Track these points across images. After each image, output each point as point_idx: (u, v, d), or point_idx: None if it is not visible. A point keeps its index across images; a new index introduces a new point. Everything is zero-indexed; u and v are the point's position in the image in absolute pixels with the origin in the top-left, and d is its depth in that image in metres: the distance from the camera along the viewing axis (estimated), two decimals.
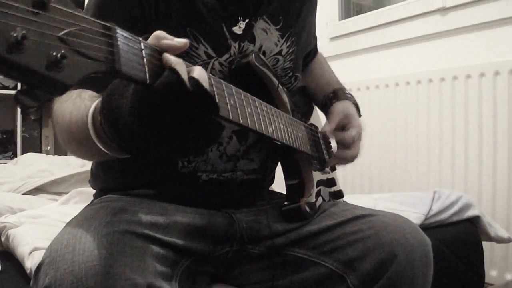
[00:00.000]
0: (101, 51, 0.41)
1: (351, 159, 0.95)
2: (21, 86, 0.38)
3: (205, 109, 0.49)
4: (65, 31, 0.37)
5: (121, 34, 0.43)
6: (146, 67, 0.46)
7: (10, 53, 0.33)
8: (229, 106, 0.58)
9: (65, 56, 0.36)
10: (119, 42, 0.43)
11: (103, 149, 0.55)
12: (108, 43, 0.42)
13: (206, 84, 0.50)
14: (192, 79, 0.48)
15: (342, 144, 0.93)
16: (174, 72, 0.47)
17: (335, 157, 0.93)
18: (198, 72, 0.50)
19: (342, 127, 0.95)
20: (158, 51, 0.49)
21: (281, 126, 0.75)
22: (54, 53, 0.36)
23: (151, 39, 0.50)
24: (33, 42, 0.34)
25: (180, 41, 0.51)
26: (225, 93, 0.58)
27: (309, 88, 1.05)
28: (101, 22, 0.41)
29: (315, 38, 1.06)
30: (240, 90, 0.63)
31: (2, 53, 0.33)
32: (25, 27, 0.34)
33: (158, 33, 0.50)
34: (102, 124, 0.51)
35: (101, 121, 0.51)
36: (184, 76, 0.48)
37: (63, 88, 0.37)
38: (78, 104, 0.59)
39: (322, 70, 1.09)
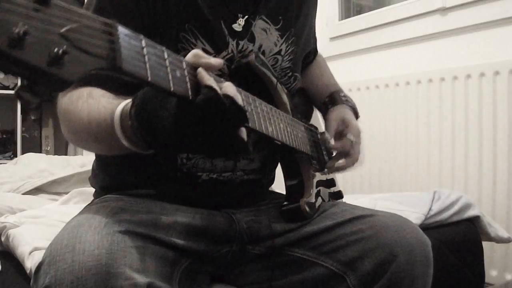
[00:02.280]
0: (102, 48, 0.41)
1: (352, 165, 0.94)
2: (22, 82, 0.38)
3: (237, 121, 0.55)
4: (66, 28, 0.37)
5: (122, 31, 0.44)
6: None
7: (12, 49, 0.33)
8: None
9: (66, 52, 0.36)
10: (120, 39, 0.43)
11: (128, 147, 0.60)
12: (109, 40, 0.42)
13: (239, 100, 0.56)
14: (228, 97, 0.54)
15: (341, 152, 0.93)
16: (212, 89, 0.52)
17: (336, 167, 0.93)
18: (231, 89, 0.56)
19: (339, 133, 0.95)
20: (193, 67, 0.54)
21: (281, 125, 0.75)
22: (55, 49, 0.36)
23: (190, 57, 0.55)
24: (35, 38, 0.34)
25: (217, 61, 0.57)
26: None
27: (308, 90, 1.05)
28: (102, 19, 0.42)
29: (315, 39, 1.06)
30: (240, 90, 0.63)
31: (3, 48, 0.33)
32: (27, 22, 0.34)
33: (197, 51, 0.56)
34: (134, 128, 0.56)
35: (134, 125, 0.56)
36: (220, 92, 0.54)
37: (64, 85, 0.38)
38: (95, 106, 0.65)
39: (320, 72, 1.09)
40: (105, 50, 0.41)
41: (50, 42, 0.36)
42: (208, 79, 0.54)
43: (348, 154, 0.93)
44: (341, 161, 0.93)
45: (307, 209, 0.82)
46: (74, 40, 0.38)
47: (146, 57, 0.46)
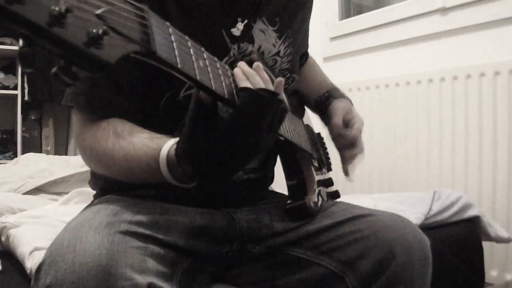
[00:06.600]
0: (137, 31, 0.41)
1: (361, 153, 0.95)
2: (60, 63, 0.37)
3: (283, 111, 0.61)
4: (102, 9, 0.37)
5: (153, 16, 0.44)
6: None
7: (52, 26, 0.33)
8: None
9: (106, 33, 0.36)
10: (153, 25, 0.43)
11: (173, 182, 0.64)
12: (142, 24, 0.42)
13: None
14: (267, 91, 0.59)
15: (350, 143, 0.94)
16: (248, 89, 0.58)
17: (347, 159, 0.94)
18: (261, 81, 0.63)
19: (346, 123, 0.95)
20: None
21: (285, 123, 0.75)
22: (94, 30, 0.36)
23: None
24: (75, 17, 0.34)
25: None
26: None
27: (301, 90, 1.05)
28: (135, 3, 0.42)
29: (308, 42, 1.07)
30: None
31: (43, 26, 0.32)
32: (66, 1, 0.34)
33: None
34: (184, 170, 0.60)
35: (183, 169, 0.60)
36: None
37: (102, 66, 0.37)
38: (130, 148, 0.67)
39: (314, 71, 1.10)
40: (139, 34, 0.41)
41: (88, 23, 0.36)
42: (242, 80, 0.60)
43: (355, 145, 0.94)
44: (350, 152, 0.94)
45: (313, 206, 0.83)
46: (110, 21, 0.37)
47: (174, 44, 0.47)
